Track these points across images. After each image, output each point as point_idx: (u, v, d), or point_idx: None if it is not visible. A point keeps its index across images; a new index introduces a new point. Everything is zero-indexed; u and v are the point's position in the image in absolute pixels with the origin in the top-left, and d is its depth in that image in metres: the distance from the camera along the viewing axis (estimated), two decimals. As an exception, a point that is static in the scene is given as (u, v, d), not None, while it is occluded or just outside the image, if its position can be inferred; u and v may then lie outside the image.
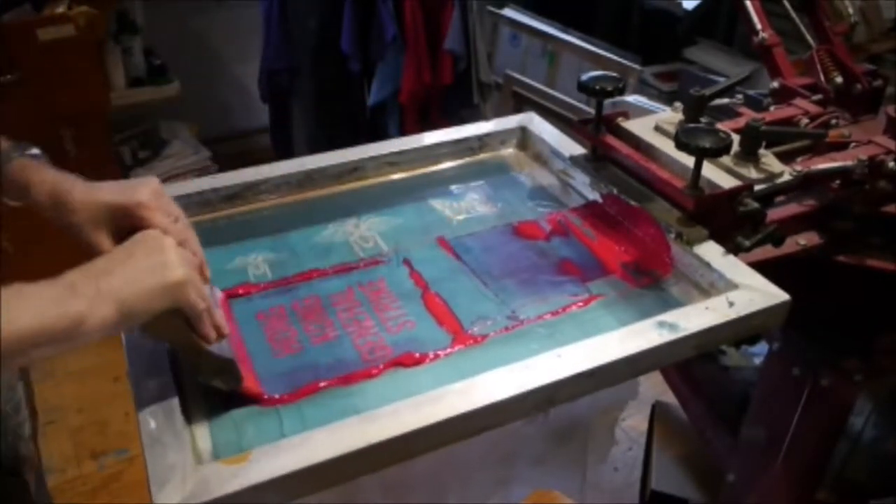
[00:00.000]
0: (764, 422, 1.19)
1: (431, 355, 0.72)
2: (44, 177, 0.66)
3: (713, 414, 1.37)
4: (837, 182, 0.91)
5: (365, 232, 0.91)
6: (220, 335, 0.66)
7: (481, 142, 1.07)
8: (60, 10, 1.92)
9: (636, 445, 1.84)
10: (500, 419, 0.64)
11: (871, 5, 1.14)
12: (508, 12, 2.87)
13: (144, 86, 2.31)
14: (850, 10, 1.10)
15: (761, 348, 1.47)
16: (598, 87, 0.91)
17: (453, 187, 1.00)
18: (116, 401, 1.89)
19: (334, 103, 2.39)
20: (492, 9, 2.84)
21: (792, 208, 0.91)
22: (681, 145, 0.79)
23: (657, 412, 1.67)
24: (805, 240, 0.91)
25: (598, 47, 2.54)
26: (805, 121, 0.99)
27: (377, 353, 0.72)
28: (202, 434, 0.63)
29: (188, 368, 0.68)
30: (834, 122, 1.00)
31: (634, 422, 1.89)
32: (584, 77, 0.92)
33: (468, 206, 0.96)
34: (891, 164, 0.89)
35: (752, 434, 1.21)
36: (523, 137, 1.08)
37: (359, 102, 2.44)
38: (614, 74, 0.94)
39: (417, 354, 0.72)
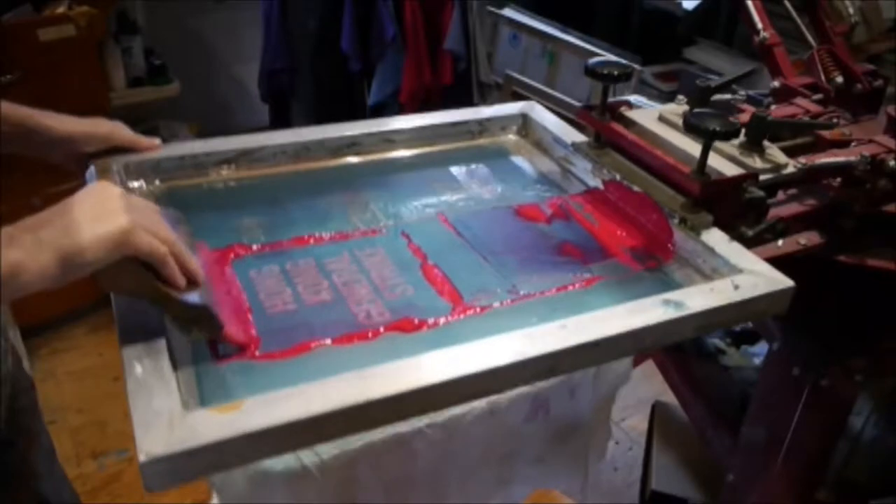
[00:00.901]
0: (764, 422, 1.19)
1: (431, 321, 0.71)
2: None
3: (713, 414, 1.37)
4: (838, 181, 0.91)
5: (362, 204, 0.89)
6: (193, 282, 0.63)
7: (482, 126, 1.06)
8: (61, 10, 1.92)
9: (636, 445, 1.84)
10: (500, 384, 0.63)
11: (871, 5, 1.14)
12: (508, 12, 2.87)
13: (144, 86, 2.31)
14: (851, 11, 1.11)
15: (761, 348, 1.48)
16: (605, 72, 0.90)
17: (452, 168, 0.99)
18: (116, 401, 1.88)
19: (334, 103, 2.40)
20: (492, 9, 2.84)
21: (793, 207, 0.91)
22: (690, 127, 0.79)
23: (657, 412, 1.67)
24: (806, 239, 0.91)
25: (597, 47, 2.54)
26: (806, 120, 0.99)
27: (374, 318, 0.71)
28: (190, 389, 0.60)
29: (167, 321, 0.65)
30: (834, 121, 1.00)
31: (634, 422, 1.89)
32: (592, 61, 0.92)
33: (467, 186, 0.96)
34: (891, 163, 0.89)
35: (752, 434, 1.21)
36: (524, 124, 1.08)
37: (359, 102, 2.44)
38: (622, 60, 0.94)
39: (416, 320, 0.70)
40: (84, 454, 1.79)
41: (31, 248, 0.55)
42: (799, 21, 1.11)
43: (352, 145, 0.99)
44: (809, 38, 1.10)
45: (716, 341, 1.53)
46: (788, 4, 1.10)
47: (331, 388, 0.57)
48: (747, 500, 1.22)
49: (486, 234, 0.85)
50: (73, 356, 2.04)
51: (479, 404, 0.91)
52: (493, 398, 0.92)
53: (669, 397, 1.56)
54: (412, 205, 0.91)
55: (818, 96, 1.05)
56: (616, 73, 0.90)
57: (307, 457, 0.83)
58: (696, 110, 0.83)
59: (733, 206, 0.82)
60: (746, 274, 0.74)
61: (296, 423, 0.54)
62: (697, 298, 0.70)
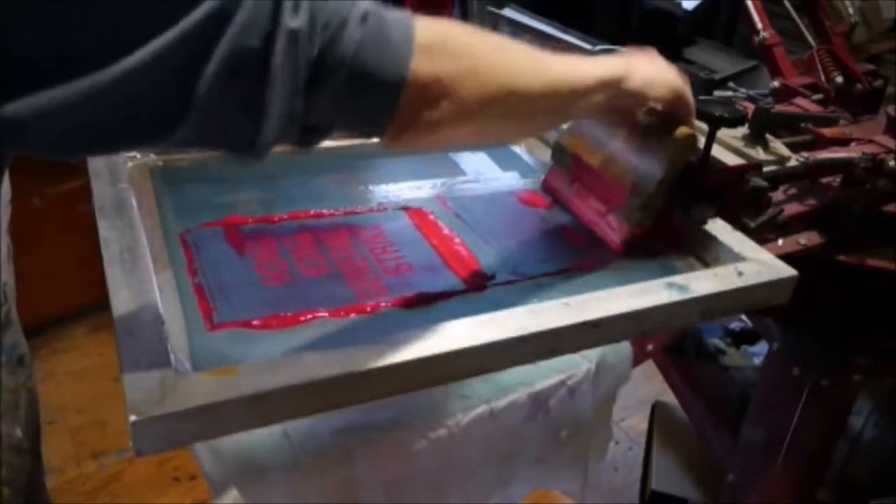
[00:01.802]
0: (764, 422, 1.19)
1: (430, 297, 0.70)
2: None
3: (713, 414, 1.37)
4: (838, 181, 0.91)
5: (359, 184, 0.89)
6: None
7: None
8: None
9: (636, 445, 1.84)
10: (502, 361, 0.63)
11: (870, 5, 1.14)
12: (508, 12, 2.87)
13: (144, 86, 2.31)
14: (850, 11, 1.11)
15: (761, 348, 1.48)
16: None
17: (451, 154, 0.99)
18: (116, 401, 1.86)
19: (334, 103, 2.39)
20: (492, 9, 2.84)
21: (793, 208, 0.91)
22: (696, 114, 0.79)
23: (657, 412, 1.67)
24: (806, 239, 0.91)
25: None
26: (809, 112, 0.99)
27: (372, 294, 0.70)
28: (183, 355, 0.59)
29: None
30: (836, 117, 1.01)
31: (634, 422, 1.89)
32: (597, 48, 0.92)
33: (466, 172, 0.95)
34: (891, 163, 0.89)
35: (752, 434, 1.21)
36: None
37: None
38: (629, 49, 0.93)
39: (414, 296, 0.70)
40: (84, 454, 1.79)
41: (623, 69, 0.69)
42: (799, 21, 1.11)
43: None
44: (809, 38, 1.10)
45: (716, 341, 1.53)
46: (788, 4, 1.10)
47: (331, 356, 0.56)
48: (747, 500, 1.22)
49: (485, 218, 0.85)
50: (73, 356, 2.04)
51: (479, 405, 0.91)
52: (493, 399, 0.92)
53: (669, 397, 1.56)
54: (411, 187, 0.90)
55: (818, 96, 1.05)
56: None
57: (307, 456, 0.84)
58: (702, 97, 0.83)
59: (737, 197, 0.82)
60: (749, 262, 0.74)
61: (292, 388, 0.53)
62: (701, 283, 0.70)
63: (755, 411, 1.21)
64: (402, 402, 0.89)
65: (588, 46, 2.53)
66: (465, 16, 2.28)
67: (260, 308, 0.66)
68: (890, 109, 0.97)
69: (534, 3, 2.90)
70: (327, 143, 0.95)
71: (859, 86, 1.06)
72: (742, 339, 1.53)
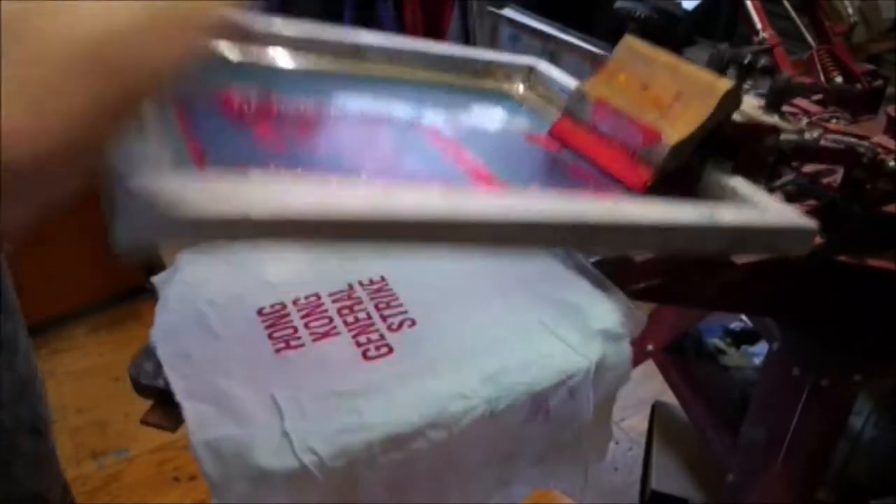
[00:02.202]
0: (764, 422, 1.19)
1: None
2: None
3: (713, 414, 1.37)
4: (838, 182, 0.91)
5: (359, 101, 0.83)
6: None
7: (487, 68, 1.02)
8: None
9: (636, 445, 1.84)
10: (529, 239, 0.60)
11: (870, 5, 1.14)
12: (508, 12, 2.87)
13: (144, 86, 2.31)
14: (850, 11, 1.11)
15: (761, 348, 1.48)
16: (636, 14, 0.89)
17: (456, 96, 0.95)
18: (116, 401, 1.89)
19: (334, 103, 2.39)
20: (492, 9, 2.84)
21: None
22: (724, 61, 0.79)
23: (657, 412, 1.67)
24: (805, 239, 0.92)
25: (598, 47, 2.54)
26: (805, 119, 0.99)
27: (381, 177, 0.65)
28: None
29: None
30: (834, 121, 1.01)
31: (634, 422, 1.89)
32: (618, 4, 0.91)
33: (472, 114, 0.92)
34: (891, 163, 0.89)
35: (752, 434, 1.21)
36: (531, 75, 1.05)
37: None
38: (643, 8, 0.93)
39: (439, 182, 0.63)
40: (84, 454, 1.79)
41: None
42: (798, 21, 1.11)
43: (355, 51, 0.89)
44: (809, 38, 1.10)
45: (716, 341, 1.53)
46: (788, 4, 1.10)
47: (343, 192, 0.51)
48: (747, 500, 1.22)
49: (494, 150, 0.81)
50: (73, 356, 2.04)
51: (479, 405, 0.91)
52: (493, 399, 0.92)
53: (669, 397, 1.56)
54: (416, 107, 0.86)
55: (818, 96, 1.05)
56: (640, 14, 0.89)
57: (307, 456, 0.84)
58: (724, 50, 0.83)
59: (753, 156, 0.81)
60: (771, 209, 0.73)
61: (288, 212, 0.49)
62: (727, 214, 0.69)
63: (755, 411, 1.21)
64: (402, 402, 0.89)
65: (589, 47, 2.53)
66: (464, 16, 2.28)
67: (256, 167, 0.59)
68: (890, 109, 0.97)
69: (534, 3, 2.91)
70: (322, 65, 0.90)
71: (859, 86, 1.06)
72: (742, 339, 1.53)
